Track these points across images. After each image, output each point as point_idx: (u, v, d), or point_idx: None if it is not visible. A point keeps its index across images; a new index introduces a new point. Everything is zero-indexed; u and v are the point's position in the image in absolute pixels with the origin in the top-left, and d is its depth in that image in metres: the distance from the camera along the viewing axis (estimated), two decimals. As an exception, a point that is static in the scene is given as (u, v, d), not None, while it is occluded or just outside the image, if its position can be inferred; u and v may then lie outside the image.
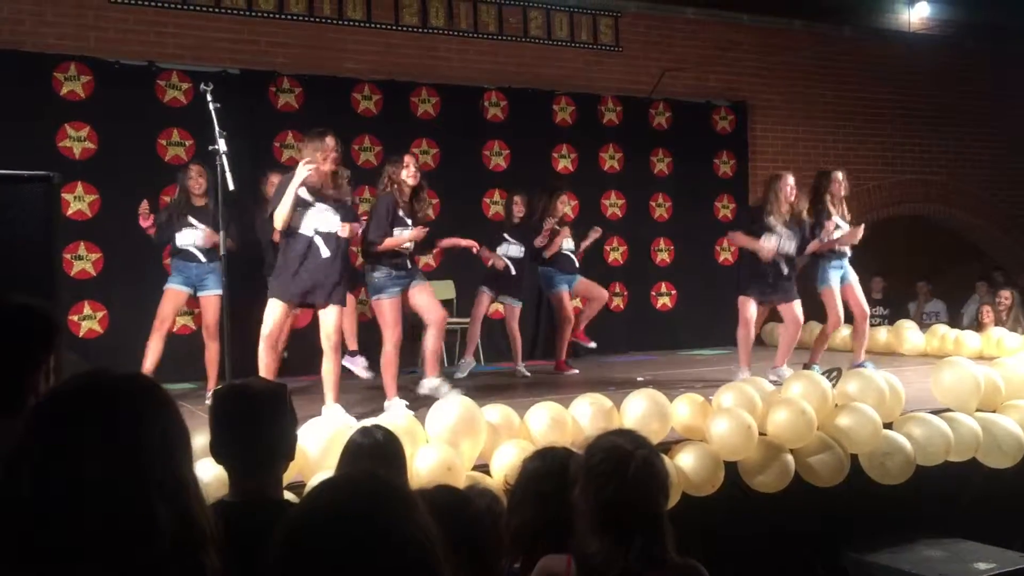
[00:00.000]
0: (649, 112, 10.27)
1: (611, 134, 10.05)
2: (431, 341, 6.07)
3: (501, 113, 9.49)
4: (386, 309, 5.83)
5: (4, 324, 1.80)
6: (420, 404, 5.72)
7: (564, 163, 9.82)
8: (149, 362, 6.40)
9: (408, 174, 6.00)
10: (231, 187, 5.11)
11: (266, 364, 5.36)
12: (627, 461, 2.29)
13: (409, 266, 6.02)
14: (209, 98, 5.17)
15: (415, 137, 9.01)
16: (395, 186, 6.02)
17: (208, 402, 2.55)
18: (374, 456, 2.95)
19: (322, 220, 5.46)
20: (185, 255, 6.60)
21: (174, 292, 6.61)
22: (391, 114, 8.89)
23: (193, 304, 7.01)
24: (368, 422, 3.72)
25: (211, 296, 6.50)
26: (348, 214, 5.58)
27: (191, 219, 6.59)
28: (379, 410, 5.58)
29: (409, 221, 6.00)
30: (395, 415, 4.97)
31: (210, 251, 6.53)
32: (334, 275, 5.44)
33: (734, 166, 10.74)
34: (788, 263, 6.98)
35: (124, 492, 1.18)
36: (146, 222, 6.58)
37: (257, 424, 2.29)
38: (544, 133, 9.67)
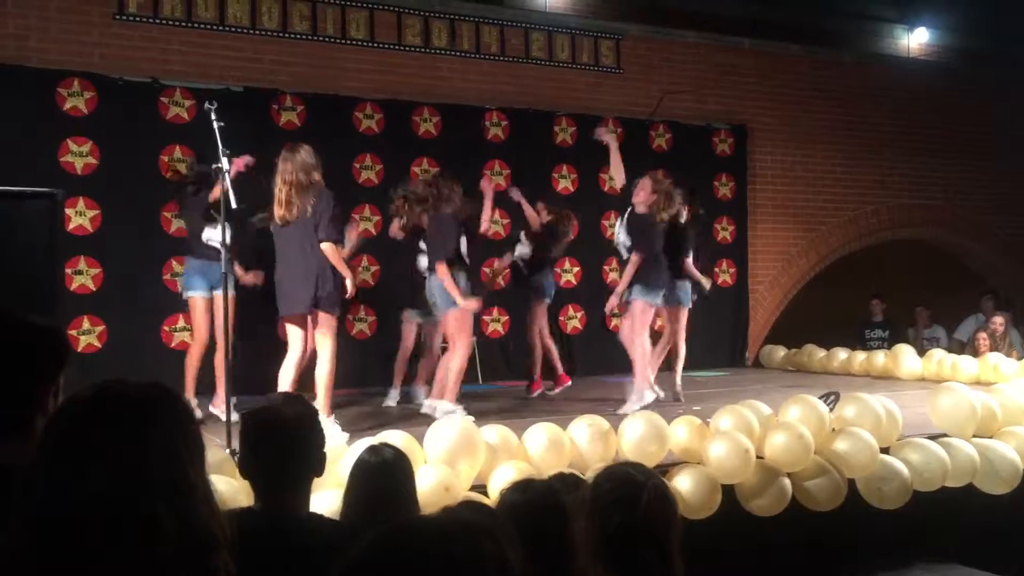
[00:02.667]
0: (650, 134, 10.33)
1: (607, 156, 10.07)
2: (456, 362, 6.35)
3: (502, 133, 9.54)
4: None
5: (15, 344, 1.82)
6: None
7: (564, 183, 9.87)
8: (190, 381, 6.33)
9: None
10: (234, 205, 5.14)
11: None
12: (639, 490, 2.25)
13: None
14: (213, 116, 5.21)
15: (416, 156, 9.07)
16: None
17: (218, 414, 2.56)
18: (383, 475, 2.96)
19: None
20: (208, 253, 6.45)
21: (200, 299, 6.46)
22: (392, 133, 8.94)
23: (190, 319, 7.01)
24: (374, 439, 3.74)
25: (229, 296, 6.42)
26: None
27: (215, 213, 6.29)
28: (377, 426, 5.59)
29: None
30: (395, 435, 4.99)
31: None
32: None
33: (733, 188, 10.80)
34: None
35: (127, 495, 1.20)
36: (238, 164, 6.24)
37: (289, 449, 2.31)
38: (545, 153, 9.72)
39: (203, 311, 6.44)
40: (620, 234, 6.92)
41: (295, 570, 2.08)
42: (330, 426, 5.38)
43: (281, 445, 2.31)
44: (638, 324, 6.75)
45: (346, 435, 5.30)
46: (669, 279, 6.99)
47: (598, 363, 9.41)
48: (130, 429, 1.27)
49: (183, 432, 1.32)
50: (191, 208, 6.61)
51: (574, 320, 9.94)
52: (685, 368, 9.75)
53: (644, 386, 6.71)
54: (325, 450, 2.43)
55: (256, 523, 2.11)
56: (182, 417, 1.34)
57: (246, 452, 2.37)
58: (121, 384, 1.33)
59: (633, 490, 2.23)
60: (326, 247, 5.61)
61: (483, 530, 1.06)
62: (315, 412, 2.47)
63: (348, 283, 5.59)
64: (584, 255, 9.90)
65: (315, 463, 2.38)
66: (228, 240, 5.20)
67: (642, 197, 6.90)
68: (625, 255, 6.89)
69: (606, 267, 10.01)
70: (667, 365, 7.81)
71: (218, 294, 6.45)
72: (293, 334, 5.68)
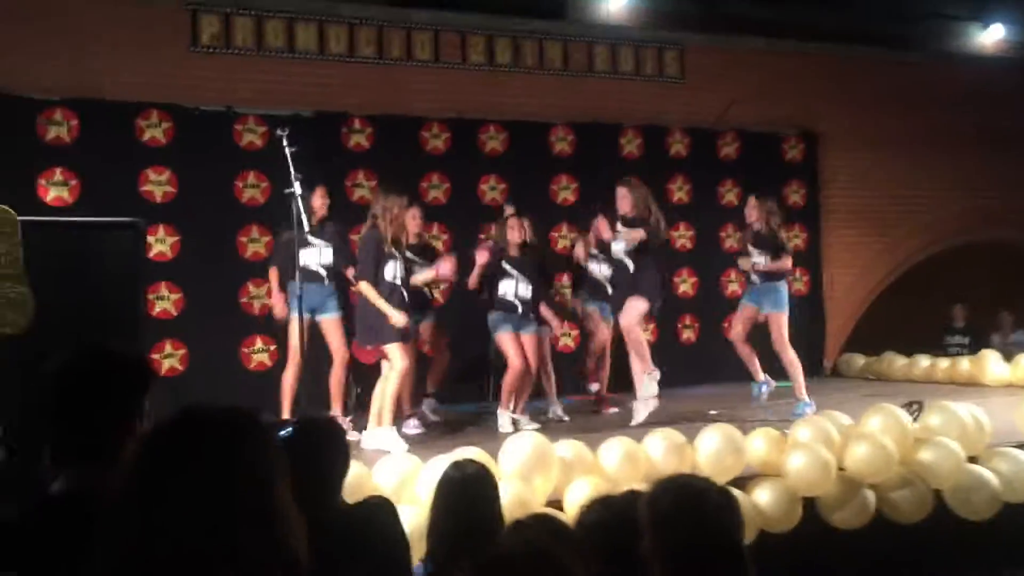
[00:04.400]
0: (717, 143, 10.25)
1: (679, 166, 10.06)
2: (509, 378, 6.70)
3: (568, 148, 9.57)
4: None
5: (102, 373, 1.89)
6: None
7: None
8: (286, 399, 6.42)
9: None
10: (307, 227, 5.25)
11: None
12: (703, 498, 2.20)
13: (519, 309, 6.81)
14: (285, 143, 5.34)
15: (483, 174, 9.14)
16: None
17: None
18: (470, 491, 2.97)
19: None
20: (306, 274, 6.34)
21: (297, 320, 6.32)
22: (459, 151, 9.03)
23: (268, 340, 7.15)
24: (458, 453, 3.78)
25: (333, 319, 6.55)
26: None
27: (311, 238, 6.31)
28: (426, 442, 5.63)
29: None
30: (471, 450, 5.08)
31: (332, 271, 6.53)
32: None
33: (804, 195, 10.64)
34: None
35: (216, 523, 1.23)
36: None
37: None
38: (612, 166, 9.69)
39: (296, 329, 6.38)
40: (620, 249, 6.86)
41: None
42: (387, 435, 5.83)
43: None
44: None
45: (403, 444, 5.73)
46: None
47: (712, 373, 9.40)
48: (216, 457, 1.29)
49: (267, 456, 1.34)
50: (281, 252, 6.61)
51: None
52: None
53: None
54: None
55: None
56: (265, 441, 1.37)
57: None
58: (203, 411, 1.36)
59: (696, 497, 2.18)
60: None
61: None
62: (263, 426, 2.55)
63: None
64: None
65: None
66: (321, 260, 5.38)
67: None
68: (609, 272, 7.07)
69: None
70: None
71: (324, 318, 6.56)
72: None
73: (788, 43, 10.56)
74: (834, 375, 10.47)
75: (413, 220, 7.07)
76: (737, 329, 7.47)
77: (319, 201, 6.55)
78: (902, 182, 11.03)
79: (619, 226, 6.93)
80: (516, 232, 6.87)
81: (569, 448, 4.87)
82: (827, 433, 5.23)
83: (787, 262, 7.48)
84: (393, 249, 6.11)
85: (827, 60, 10.74)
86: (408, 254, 6.63)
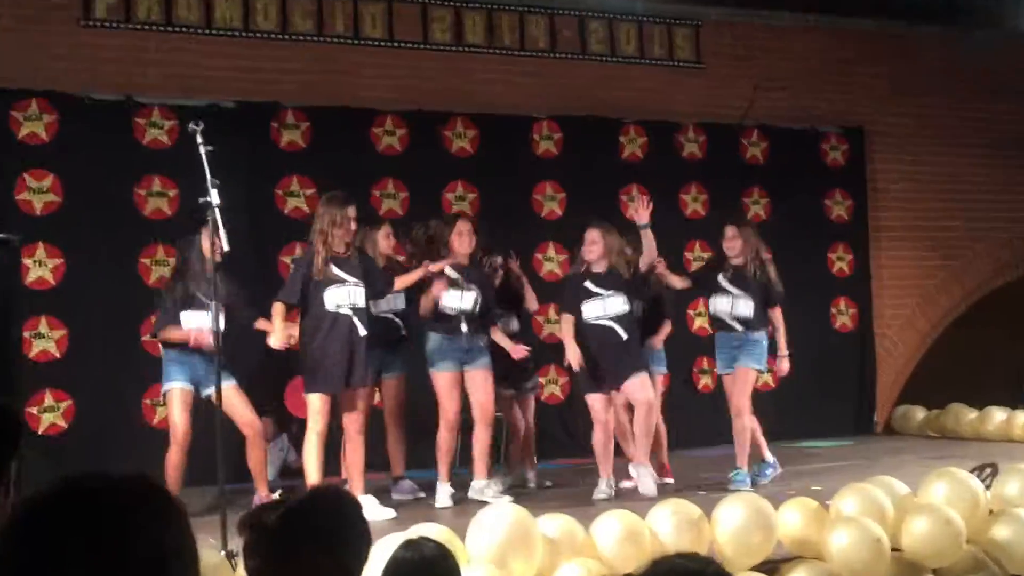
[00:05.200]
0: (740, 143, 10.35)
1: (693, 170, 10.14)
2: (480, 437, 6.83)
3: (555, 147, 9.64)
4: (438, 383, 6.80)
5: None
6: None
7: (633, 207, 9.89)
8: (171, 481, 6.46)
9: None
10: (226, 247, 5.24)
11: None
12: None
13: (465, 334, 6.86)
14: (199, 140, 5.33)
15: (448, 180, 9.20)
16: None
17: None
18: None
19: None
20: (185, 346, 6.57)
21: (180, 393, 6.56)
22: (419, 152, 9.09)
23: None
24: (415, 531, 3.76)
25: (229, 389, 6.55)
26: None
27: (197, 293, 6.57)
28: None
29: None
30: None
31: (216, 338, 6.58)
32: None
33: (850, 208, 10.76)
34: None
35: None
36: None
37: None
38: (610, 171, 9.78)
39: (177, 405, 6.58)
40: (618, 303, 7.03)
41: None
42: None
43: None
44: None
45: (391, 512, 6.11)
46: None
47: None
48: (108, 539, 1.27)
49: (175, 539, 1.33)
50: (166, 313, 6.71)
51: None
52: (795, 437, 9.62)
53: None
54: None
55: None
56: (173, 519, 1.35)
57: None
58: (94, 479, 1.34)
59: None
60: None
61: None
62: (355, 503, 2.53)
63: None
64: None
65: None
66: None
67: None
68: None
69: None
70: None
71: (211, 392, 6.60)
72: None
73: (828, 19, 10.70)
74: (887, 432, 10.53)
75: (385, 239, 7.27)
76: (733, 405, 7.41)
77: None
78: (971, 191, 11.15)
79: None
80: (466, 239, 6.95)
81: (555, 524, 4.86)
82: (879, 505, 5.24)
83: (778, 313, 7.56)
84: (339, 271, 6.30)
85: (875, 40, 10.88)
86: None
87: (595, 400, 7.00)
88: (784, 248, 10.31)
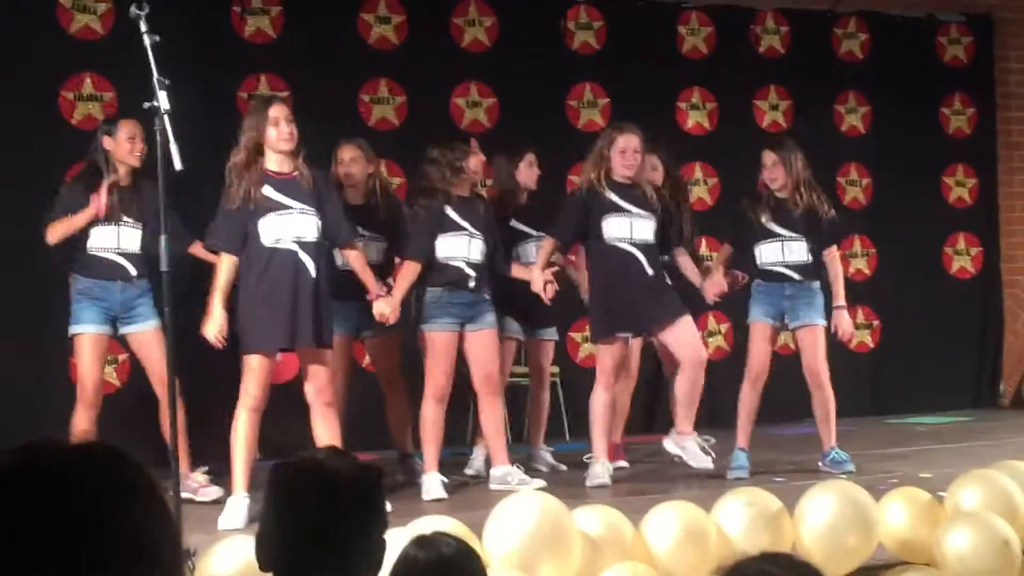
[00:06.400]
0: (833, 34, 10.30)
1: (773, 70, 10.10)
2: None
3: (595, 40, 9.63)
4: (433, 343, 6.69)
5: None
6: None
7: (696, 118, 9.88)
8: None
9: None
10: (178, 166, 5.25)
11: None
12: None
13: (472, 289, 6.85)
14: (143, 28, 5.32)
15: (459, 80, 9.20)
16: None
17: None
18: None
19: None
20: (101, 268, 6.68)
21: (89, 338, 6.63)
22: (421, 48, 9.09)
23: (118, 348, 7.16)
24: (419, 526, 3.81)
25: (148, 330, 6.67)
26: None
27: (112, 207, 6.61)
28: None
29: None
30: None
31: (140, 260, 6.65)
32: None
33: (974, 118, 10.71)
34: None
35: None
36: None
37: (337, 526, 2.49)
38: (670, 69, 9.75)
39: (88, 353, 6.62)
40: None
41: None
42: None
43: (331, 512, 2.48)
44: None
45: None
46: None
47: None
48: (82, 516, 1.29)
49: (153, 514, 1.36)
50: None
51: (717, 339, 9.91)
52: (898, 411, 9.63)
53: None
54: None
55: None
56: (148, 491, 1.38)
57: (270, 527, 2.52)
58: (54, 447, 1.36)
59: None
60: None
61: None
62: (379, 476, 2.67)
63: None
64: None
65: (372, 554, 2.55)
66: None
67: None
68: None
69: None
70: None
71: (133, 330, 6.69)
72: None
73: None
74: (1016, 405, 10.53)
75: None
76: (763, 365, 7.42)
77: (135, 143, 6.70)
78: None
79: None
80: (480, 162, 7.02)
81: (596, 518, 4.88)
82: (1007, 497, 5.24)
83: (836, 255, 7.58)
84: (279, 194, 6.18)
85: None
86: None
87: (606, 353, 7.02)
88: (888, 170, 10.34)
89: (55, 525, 1.29)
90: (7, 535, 1.28)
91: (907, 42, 10.45)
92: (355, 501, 2.58)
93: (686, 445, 6.98)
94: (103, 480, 1.34)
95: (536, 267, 6.99)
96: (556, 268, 7.35)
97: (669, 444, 7.10)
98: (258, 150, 6.17)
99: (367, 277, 6.51)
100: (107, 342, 6.74)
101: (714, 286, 7.24)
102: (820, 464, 7.22)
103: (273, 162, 6.21)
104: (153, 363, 6.56)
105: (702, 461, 6.90)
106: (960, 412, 9.99)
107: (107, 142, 6.58)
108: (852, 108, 10.34)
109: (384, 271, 7.04)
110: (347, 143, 7.21)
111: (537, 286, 6.87)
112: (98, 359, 6.63)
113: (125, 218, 6.60)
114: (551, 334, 7.81)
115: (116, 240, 6.60)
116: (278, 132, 6.15)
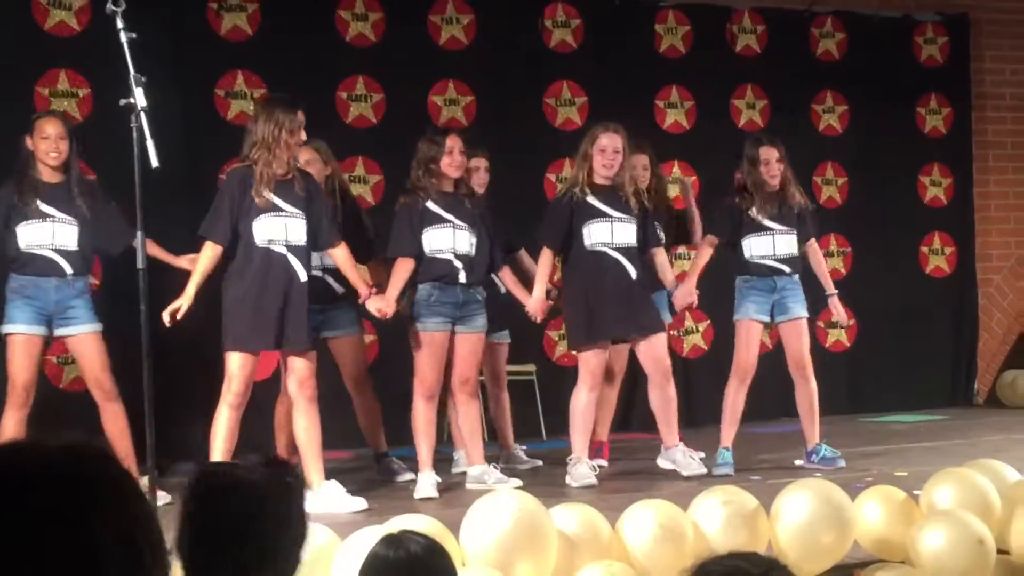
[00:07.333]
0: (810, 33, 10.33)
1: (749, 69, 10.14)
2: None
3: (572, 38, 9.63)
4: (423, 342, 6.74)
5: None
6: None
7: (675, 116, 9.90)
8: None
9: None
10: (154, 163, 5.23)
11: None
12: None
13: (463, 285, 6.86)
14: (120, 24, 5.30)
15: (437, 78, 9.23)
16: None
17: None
18: None
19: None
20: (35, 265, 6.57)
21: (21, 339, 6.52)
22: (397, 43, 9.07)
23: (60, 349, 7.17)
24: (395, 524, 3.80)
25: (85, 334, 6.62)
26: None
27: (41, 205, 6.52)
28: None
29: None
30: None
31: (77, 258, 6.57)
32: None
33: (950, 117, 10.74)
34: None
35: None
36: None
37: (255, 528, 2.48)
38: (647, 68, 9.76)
39: (19, 354, 6.52)
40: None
41: None
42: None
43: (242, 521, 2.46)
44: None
45: (361, 502, 6.15)
46: None
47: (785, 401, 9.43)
48: (73, 519, 1.28)
49: (139, 514, 1.35)
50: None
51: (694, 337, 9.92)
52: (873, 409, 9.66)
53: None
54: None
55: None
56: (135, 499, 1.37)
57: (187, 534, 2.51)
58: (31, 450, 1.35)
59: None
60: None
61: None
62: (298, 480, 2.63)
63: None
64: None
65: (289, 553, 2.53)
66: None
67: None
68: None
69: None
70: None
71: (67, 333, 6.61)
72: None
73: None
74: (991, 404, 10.59)
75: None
76: (752, 364, 7.44)
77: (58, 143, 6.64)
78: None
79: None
80: (458, 160, 6.92)
81: (573, 516, 4.87)
82: (981, 495, 5.25)
83: (817, 247, 7.73)
84: (275, 197, 6.22)
85: None
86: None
87: (591, 355, 7.02)
88: (864, 169, 10.39)
89: (46, 528, 1.28)
90: None
91: (883, 42, 10.48)
92: (261, 511, 2.54)
93: (676, 458, 7.04)
94: (91, 481, 1.34)
95: (539, 285, 7.04)
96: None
97: (661, 462, 7.17)
98: (270, 151, 6.22)
99: (354, 277, 6.54)
100: (40, 343, 6.61)
101: (685, 296, 7.28)
102: (805, 462, 7.26)
103: (281, 163, 6.27)
104: (88, 367, 6.56)
105: (695, 469, 6.93)
106: (935, 411, 10.03)
107: (28, 141, 6.51)
108: (829, 108, 10.36)
109: (342, 275, 6.93)
110: (303, 145, 7.13)
111: (534, 309, 6.99)
112: (30, 359, 6.50)
113: (58, 214, 6.48)
114: (504, 337, 7.82)
115: (51, 236, 6.49)
116: (295, 139, 6.28)
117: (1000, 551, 5.11)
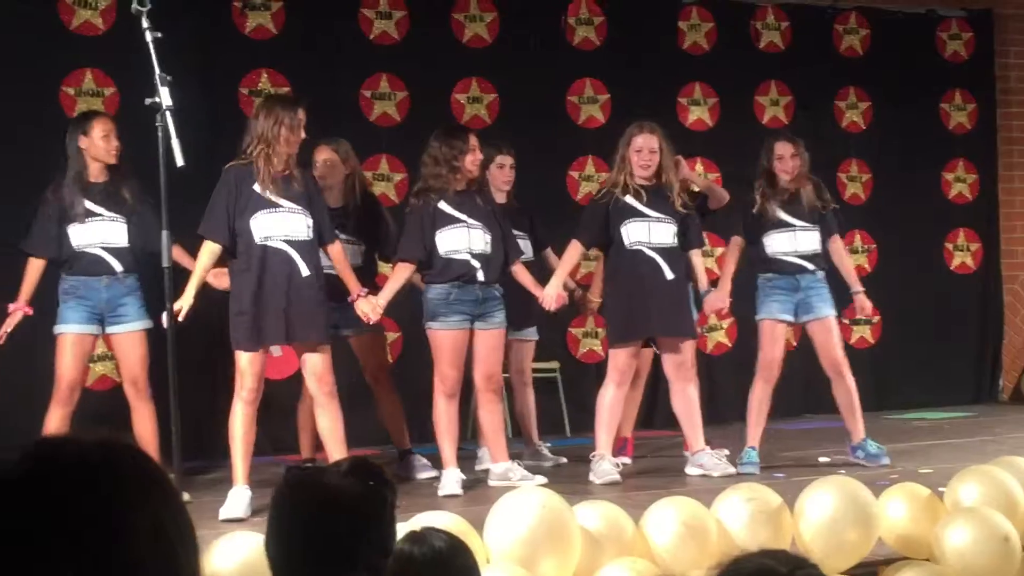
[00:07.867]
0: (834, 30, 10.31)
1: (773, 66, 10.11)
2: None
3: (596, 36, 9.62)
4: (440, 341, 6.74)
5: None
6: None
7: (698, 113, 9.88)
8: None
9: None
10: (180, 162, 5.25)
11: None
12: None
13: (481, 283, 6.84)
14: (145, 24, 5.32)
15: (459, 75, 9.24)
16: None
17: None
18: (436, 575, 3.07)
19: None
20: (85, 264, 6.63)
21: (71, 338, 6.58)
22: (421, 42, 9.10)
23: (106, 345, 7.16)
24: (419, 521, 3.81)
25: (134, 331, 6.67)
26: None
27: (88, 204, 6.56)
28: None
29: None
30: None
31: (126, 255, 6.61)
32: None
33: (975, 114, 10.71)
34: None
35: None
36: None
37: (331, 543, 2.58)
38: (670, 65, 9.75)
39: (68, 353, 6.57)
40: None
41: None
42: None
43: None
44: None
45: None
46: None
47: (824, 398, 9.33)
48: (105, 515, 1.29)
49: (171, 514, 1.36)
50: (42, 234, 6.67)
51: (717, 335, 9.92)
52: (899, 406, 9.63)
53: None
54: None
55: None
56: (168, 493, 1.38)
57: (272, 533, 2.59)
58: (70, 446, 1.36)
59: None
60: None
61: None
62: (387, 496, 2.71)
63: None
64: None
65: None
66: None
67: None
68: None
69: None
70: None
71: (117, 331, 6.65)
72: None
73: None
74: (1016, 400, 10.55)
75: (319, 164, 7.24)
76: (777, 363, 7.43)
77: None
78: None
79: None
80: (478, 157, 6.93)
81: (597, 514, 4.88)
82: (1006, 492, 5.24)
83: (842, 244, 7.72)
84: (270, 193, 6.22)
85: None
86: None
87: (621, 353, 7.04)
88: (888, 166, 10.35)
89: (84, 520, 1.30)
90: (35, 537, 1.28)
91: (907, 38, 10.46)
92: (349, 521, 2.61)
93: (703, 461, 7.03)
94: (127, 476, 1.35)
95: (558, 276, 7.06)
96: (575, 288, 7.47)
97: (690, 469, 7.13)
98: (270, 147, 6.21)
99: (348, 276, 6.53)
100: (91, 342, 6.69)
101: (716, 302, 7.30)
102: (850, 456, 7.22)
103: (273, 160, 6.24)
104: (128, 364, 6.61)
105: (724, 469, 6.94)
106: (960, 408, 10.00)
107: (82, 140, 6.52)
108: (852, 104, 10.34)
109: (363, 274, 6.93)
110: (323, 144, 7.17)
111: (549, 304, 6.94)
112: (78, 359, 6.56)
113: (106, 213, 6.55)
114: (532, 334, 7.83)
115: (100, 234, 6.54)
116: (295, 136, 6.24)
117: (1027, 549, 5.11)
